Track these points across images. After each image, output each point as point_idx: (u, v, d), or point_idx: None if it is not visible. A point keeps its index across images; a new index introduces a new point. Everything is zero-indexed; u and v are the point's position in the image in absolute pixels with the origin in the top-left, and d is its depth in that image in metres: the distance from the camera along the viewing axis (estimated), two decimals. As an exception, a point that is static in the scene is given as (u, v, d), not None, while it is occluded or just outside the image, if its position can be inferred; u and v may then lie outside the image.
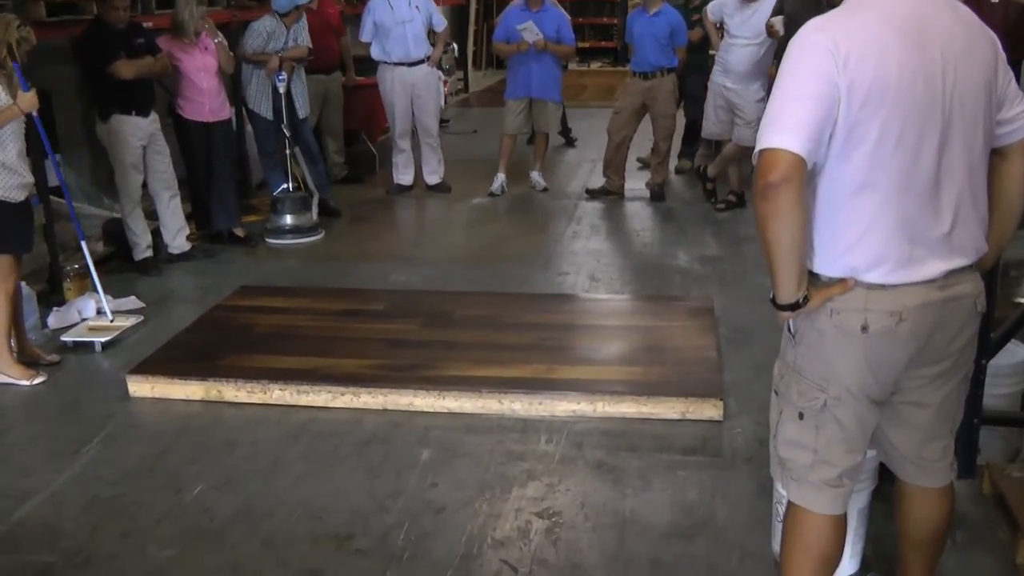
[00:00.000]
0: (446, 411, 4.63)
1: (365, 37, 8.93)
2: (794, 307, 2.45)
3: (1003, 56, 2.49)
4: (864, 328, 2.43)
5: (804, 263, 2.42)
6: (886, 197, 2.37)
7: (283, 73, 7.75)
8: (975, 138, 2.43)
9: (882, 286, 2.41)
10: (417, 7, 8.76)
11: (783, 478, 2.72)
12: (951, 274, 2.45)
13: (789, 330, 2.59)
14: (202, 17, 7.06)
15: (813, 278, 2.47)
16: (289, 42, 7.91)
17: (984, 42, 2.46)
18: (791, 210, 2.31)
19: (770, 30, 7.37)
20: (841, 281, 2.44)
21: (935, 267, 2.43)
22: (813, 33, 2.38)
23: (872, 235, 2.40)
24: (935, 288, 2.43)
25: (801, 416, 2.58)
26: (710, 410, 4.48)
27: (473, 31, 17.75)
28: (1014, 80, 2.54)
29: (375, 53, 8.89)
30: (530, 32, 8.52)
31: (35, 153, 5.28)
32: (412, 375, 4.82)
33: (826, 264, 2.46)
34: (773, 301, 2.49)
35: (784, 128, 2.30)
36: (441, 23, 9.12)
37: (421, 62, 8.84)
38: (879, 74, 2.30)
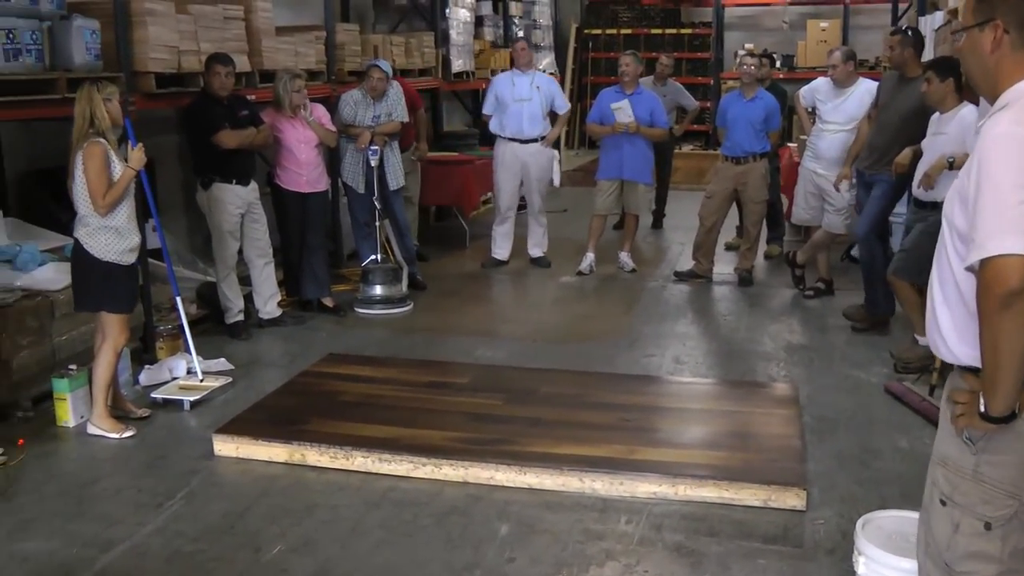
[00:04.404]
0: (526, 487, 4.62)
1: (487, 110, 9.25)
2: (1009, 419, 2.32)
3: None
4: None
5: None
6: None
7: (375, 147, 7.89)
8: None
9: None
10: (538, 87, 9.04)
11: None
12: None
13: (966, 438, 2.42)
14: (298, 91, 7.25)
15: None
16: (382, 116, 8.09)
17: None
18: None
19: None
20: None
21: None
22: (1019, 127, 2.30)
23: None
24: None
25: (988, 527, 2.40)
26: (793, 499, 4.40)
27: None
28: None
29: (493, 126, 9.19)
30: (623, 112, 8.60)
31: (138, 214, 5.44)
32: (494, 449, 4.82)
33: None
34: (984, 415, 2.34)
35: (1016, 231, 2.19)
36: (564, 106, 9.38)
37: (535, 140, 9.03)
38: None
